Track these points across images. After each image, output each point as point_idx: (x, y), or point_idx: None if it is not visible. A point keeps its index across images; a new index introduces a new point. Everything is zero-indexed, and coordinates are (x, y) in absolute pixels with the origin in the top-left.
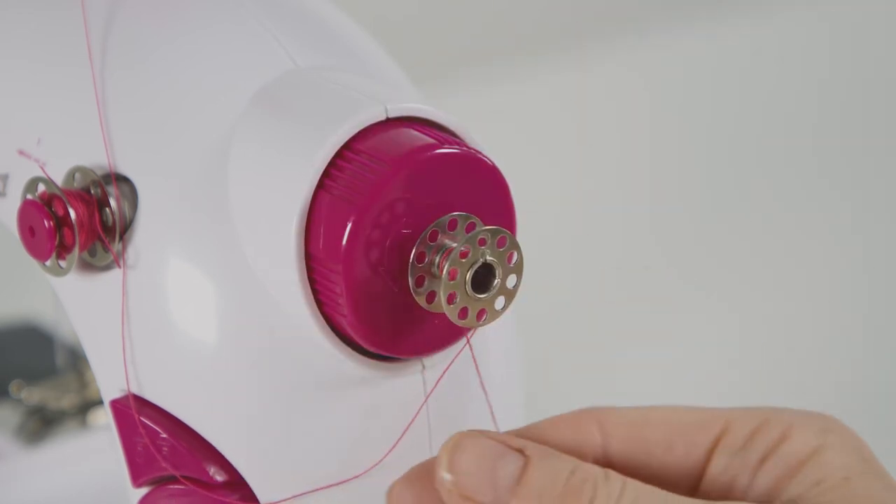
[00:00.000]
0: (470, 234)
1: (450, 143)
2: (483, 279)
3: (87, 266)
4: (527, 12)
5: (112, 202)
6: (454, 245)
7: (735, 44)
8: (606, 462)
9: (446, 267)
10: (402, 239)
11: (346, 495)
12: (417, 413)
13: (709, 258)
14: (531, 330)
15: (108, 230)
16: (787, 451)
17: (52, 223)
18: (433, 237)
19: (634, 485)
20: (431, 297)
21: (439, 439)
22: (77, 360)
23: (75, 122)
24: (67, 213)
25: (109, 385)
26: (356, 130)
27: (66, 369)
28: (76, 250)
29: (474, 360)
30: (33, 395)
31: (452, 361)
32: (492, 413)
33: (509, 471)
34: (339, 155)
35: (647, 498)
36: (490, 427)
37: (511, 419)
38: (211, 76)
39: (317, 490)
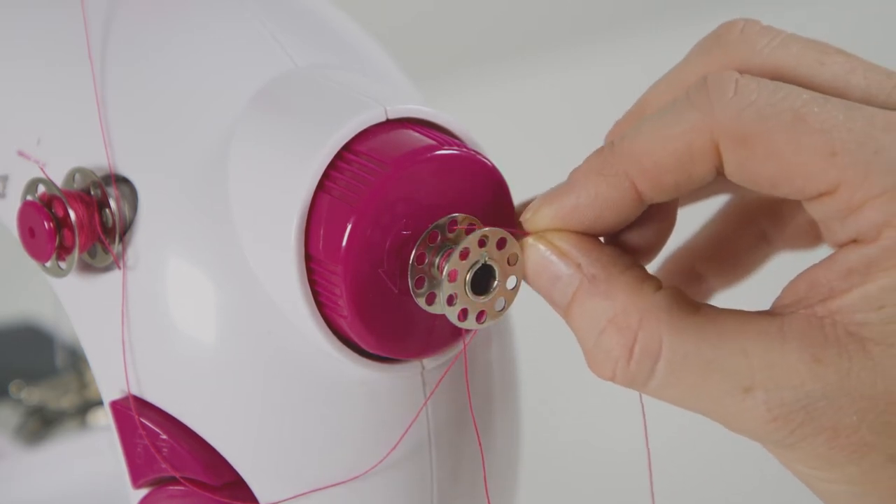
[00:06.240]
0: (470, 236)
1: (449, 145)
2: (483, 280)
3: (87, 267)
4: (527, 12)
5: (112, 203)
6: (454, 246)
7: None
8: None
9: (446, 268)
10: (401, 240)
11: (346, 495)
12: (418, 413)
13: None
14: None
15: (108, 231)
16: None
17: (51, 224)
18: (433, 238)
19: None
20: (431, 298)
21: (439, 439)
22: (77, 360)
23: (75, 122)
24: (67, 215)
25: (109, 386)
26: (356, 132)
27: (66, 369)
28: (76, 251)
29: (465, 367)
30: (33, 395)
31: (453, 362)
32: (475, 422)
33: None
34: (339, 156)
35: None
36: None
37: (510, 419)
38: (211, 76)
39: (317, 490)
